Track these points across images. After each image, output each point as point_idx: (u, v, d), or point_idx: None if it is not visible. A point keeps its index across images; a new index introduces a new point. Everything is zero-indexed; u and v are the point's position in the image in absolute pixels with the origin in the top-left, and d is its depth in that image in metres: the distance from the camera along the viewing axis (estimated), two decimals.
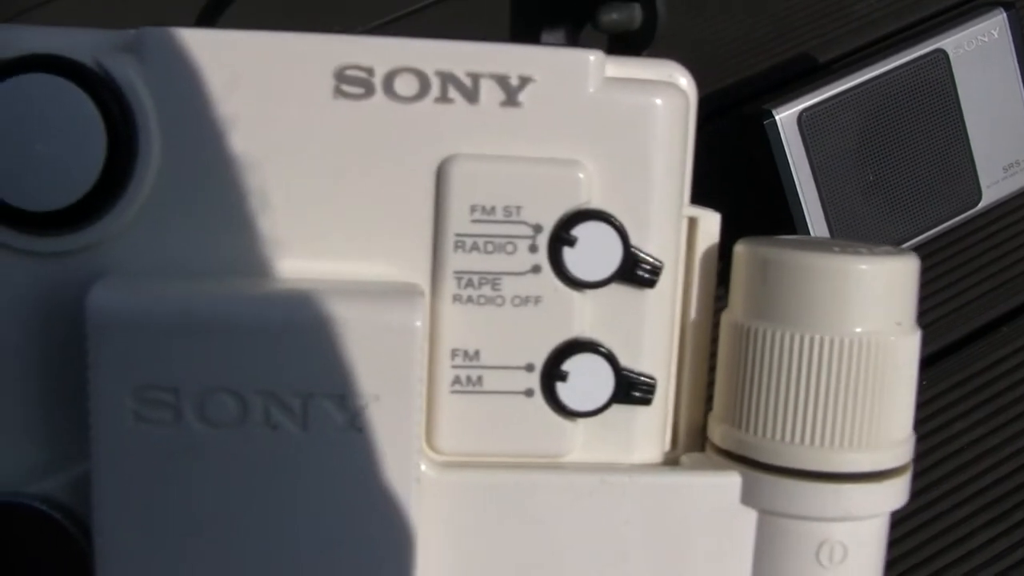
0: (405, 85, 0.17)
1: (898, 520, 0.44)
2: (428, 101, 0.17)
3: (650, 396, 0.19)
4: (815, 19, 0.63)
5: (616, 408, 0.18)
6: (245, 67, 0.17)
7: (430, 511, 0.18)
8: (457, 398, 0.18)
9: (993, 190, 0.52)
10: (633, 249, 0.18)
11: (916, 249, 0.50)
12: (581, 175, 0.17)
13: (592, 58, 0.17)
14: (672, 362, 0.19)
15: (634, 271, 0.18)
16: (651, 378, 0.18)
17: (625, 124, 0.18)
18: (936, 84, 0.51)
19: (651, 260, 0.18)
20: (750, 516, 0.18)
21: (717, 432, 0.19)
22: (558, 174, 0.17)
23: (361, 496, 0.17)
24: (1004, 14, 0.52)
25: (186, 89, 0.17)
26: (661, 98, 0.17)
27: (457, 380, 0.18)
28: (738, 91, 0.60)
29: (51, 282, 0.17)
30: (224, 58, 0.17)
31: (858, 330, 0.18)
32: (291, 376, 0.17)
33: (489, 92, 0.17)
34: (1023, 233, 0.53)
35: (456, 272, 0.17)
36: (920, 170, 0.51)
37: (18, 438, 0.18)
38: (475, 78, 0.17)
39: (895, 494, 0.19)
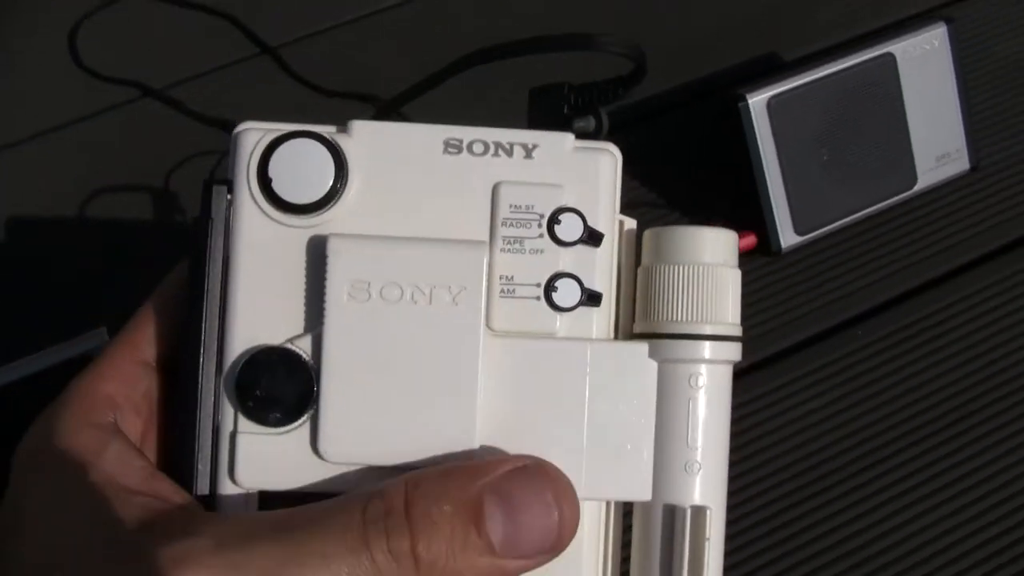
0: (479, 148, 0.31)
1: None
2: (488, 156, 0.31)
3: (599, 302, 0.31)
4: (785, 22, 0.71)
5: (582, 308, 0.31)
6: (398, 146, 0.31)
7: (487, 360, 0.31)
8: (502, 300, 0.31)
9: (927, 176, 0.60)
10: (590, 226, 0.31)
11: (857, 224, 0.59)
12: (562, 189, 0.31)
13: (569, 137, 0.31)
14: (612, 285, 0.32)
15: (590, 238, 0.31)
16: (599, 293, 0.31)
17: (585, 166, 0.31)
18: (884, 82, 0.59)
19: (598, 232, 0.31)
20: (654, 365, 0.31)
21: (638, 325, 0.32)
22: (552, 189, 0.31)
23: (453, 346, 0.30)
24: (945, 27, 0.60)
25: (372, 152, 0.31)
26: (602, 155, 0.31)
27: (503, 290, 0.31)
28: (717, 80, 0.68)
29: (298, 239, 0.31)
30: (389, 140, 0.31)
31: (706, 261, 0.32)
32: (425, 275, 0.30)
33: (518, 151, 0.31)
34: (950, 215, 0.61)
35: (503, 237, 0.31)
36: (866, 154, 0.59)
37: (282, 319, 0.31)
38: (512, 145, 0.31)
39: (732, 351, 0.31)
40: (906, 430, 0.53)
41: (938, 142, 0.60)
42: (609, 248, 0.32)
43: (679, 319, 0.31)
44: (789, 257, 0.59)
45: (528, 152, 0.31)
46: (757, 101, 0.57)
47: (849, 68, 0.58)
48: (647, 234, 0.32)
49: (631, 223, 0.33)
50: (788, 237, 0.58)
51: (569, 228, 0.31)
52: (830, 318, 0.57)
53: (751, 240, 0.58)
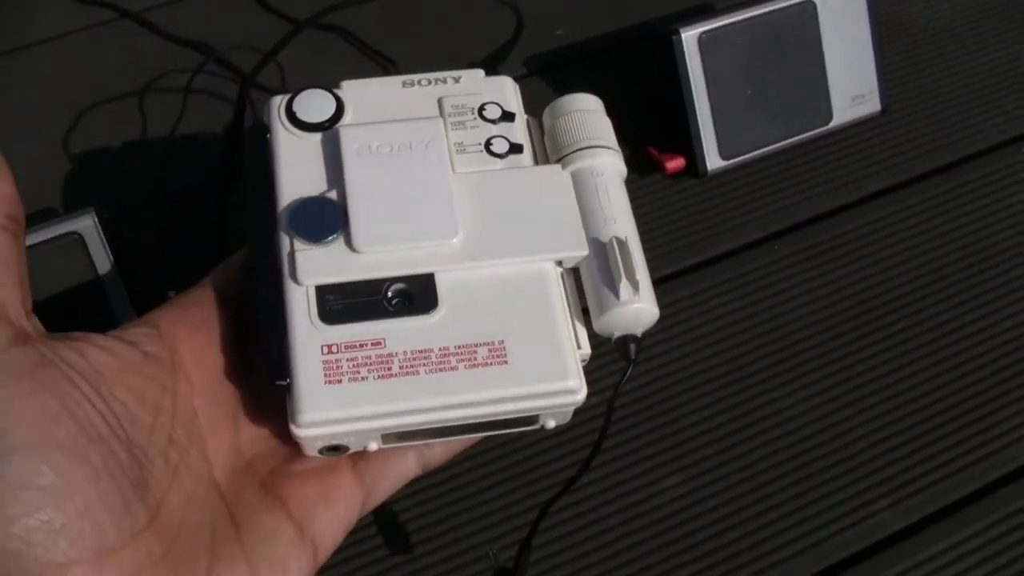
0: (424, 82, 0.42)
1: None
2: (431, 86, 0.42)
3: (521, 150, 0.41)
4: None
5: (512, 155, 0.41)
6: (373, 89, 0.42)
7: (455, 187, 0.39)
8: (458, 156, 0.40)
9: (841, 114, 0.66)
10: (505, 109, 0.42)
11: (778, 153, 0.65)
12: (482, 95, 0.42)
13: (481, 71, 0.43)
14: (527, 143, 0.42)
15: (505, 116, 0.42)
16: (521, 144, 0.42)
17: (495, 82, 0.43)
18: (805, 27, 0.65)
19: (511, 112, 0.42)
20: (567, 174, 0.41)
21: (550, 160, 0.42)
22: (476, 96, 0.42)
23: (433, 172, 0.39)
24: None
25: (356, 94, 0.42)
26: (505, 78, 0.44)
27: (457, 149, 0.40)
28: (656, 25, 0.74)
29: (317, 141, 0.40)
30: (367, 86, 0.42)
31: (583, 108, 0.43)
32: (405, 136, 0.40)
33: (450, 81, 0.42)
34: (861, 150, 0.68)
35: (451, 123, 0.41)
36: (787, 91, 0.65)
37: (314, 185, 0.39)
38: (446, 78, 0.42)
39: (616, 157, 0.42)
40: (814, 331, 0.59)
41: (853, 84, 0.66)
42: (521, 122, 0.42)
43: (572, 142, 0.41)
44: (715, 179, 0.65)
45: (456, 80, 0.42)
46: (689, 36, 0.62)
47: (774, 11, 0.64)
48: (546, 109, 0.44)
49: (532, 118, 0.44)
50: (714, 161, 0.64)
51: (492, 112, 0.42)
52: (750, 233, 0.63)
53: (680, 162, 0.64)
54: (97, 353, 0.34)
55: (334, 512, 0.37)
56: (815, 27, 0.65)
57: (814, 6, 0.65)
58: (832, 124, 0.66)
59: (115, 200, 0.62)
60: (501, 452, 0.54)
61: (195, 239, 0.63)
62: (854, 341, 0.58)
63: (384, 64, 0.73)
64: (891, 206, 0.65)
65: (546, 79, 0.71)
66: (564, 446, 0.54)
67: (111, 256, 0.54)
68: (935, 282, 0.61)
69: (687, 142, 0.63)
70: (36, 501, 0.31)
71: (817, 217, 0.64)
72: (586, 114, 0.43)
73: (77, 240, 0.54)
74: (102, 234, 0.54)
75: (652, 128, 0.67)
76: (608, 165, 0.41)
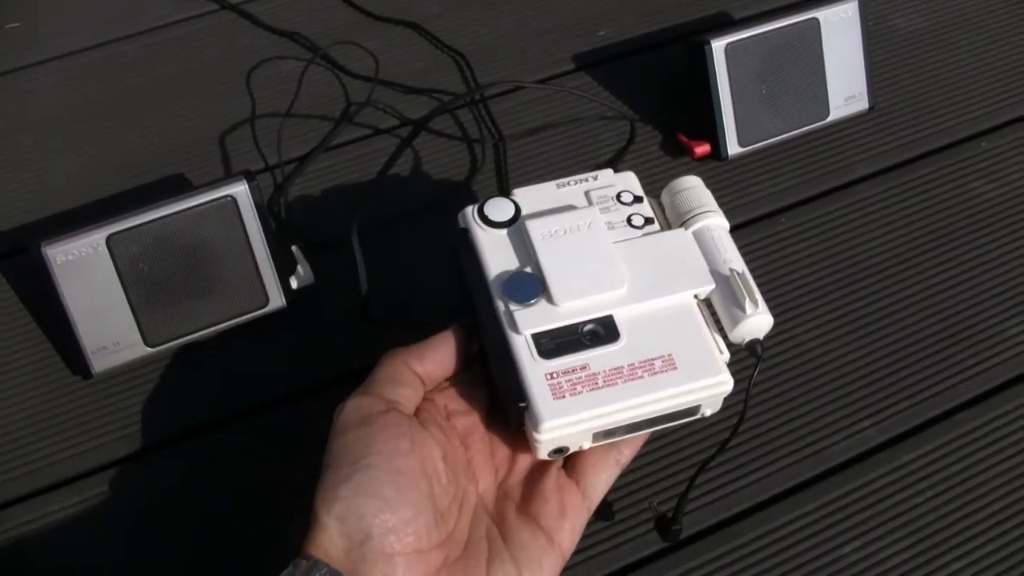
0: (572, 183, 0.60)
1: None
2: (576, 184, 0.59)
3: (654, 222, 0.58)
4: None
5: (647, 226, 0.58)
6: (536, 192, 0.59)
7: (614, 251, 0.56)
8: (610, 230, 0.57)
9: (837, 111, 0.80)
10: (635, 195, 0.59)
11: (785, 142, 0.79)
12: (616, 187, 0.59)
13: (610, 170, 0.60)
14: (656, 216, 0.58)
15: (636, 200, 0.59)
16: (652, 217, 0.58)
17: (622, 177, 0.60)
18: (810, 39, 0.78)
19: (640, 196, 0.58)
20: (689, 234, 0.57)
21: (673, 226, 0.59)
22: (612, 188, 0.59)
23: (599, 244, 0.55)
24: (856, 2, 0.79)
25: (526, 197, 0.59)
26: (629, 173, 0.60)
27: (608, 226, 0.57)
28: (687, 29, 0.88)
29: (505, 234, 0.57)
30: (532, 191, 0.59)
31: (688, 186, 0.60)
32: (572, 221, 0.57)
33: (590, 178, 0.59)
34: (852, 140, 0.82)
35: (599, 208, 0.58)
36: (794, 91, 0.79)
37: (511, 262, 0.56)
38: (586, 177, 0.59)
39: (720, 216, 0.58)
40: (812, 288, 0.73)
41: (846, 86, 0.80)
42: (647, 202, 0.58)
43: (688, 211, 0.56)
44: (734, 162, 0.79)
45: (595, 178, 0.59)
46: (718, 45, 0.76)
47: (785, 27, 0.77)
48: (664, 190, 0.59)
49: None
50: (734, 147, 0.78)
51: (626, 197, 0.57)
52: (763, 207, 0.77)
53: (707, 148, 0.78)
54: (438, 416, 0.53)
55: (570, 521, 0.53)
56: (818, 39, 0.78)
57: (818, 22, 0.78)
58: (829, 119, 0.80)
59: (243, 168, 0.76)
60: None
61: (308, 200, 0.76)
62: (844, 296, 0.72)
63: (454, 56, 0.86)
64: (876, 187, 0.79)
65: (591, 74, 0.85)
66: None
67: (258, 217, 0.66)
68: (908, 248, 0.75)
69: (712, 131, 0.77)
70: (380, 506, 0.47)
71: (816, 195, 0.78)
72: (693, 190, 0.58)
73: (231, 202, 0.66)
74: (251, 197, 0.66)
75: (680, 116, 0.81)
76: (716, 222, 0.57)
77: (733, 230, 0.75)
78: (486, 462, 0.54)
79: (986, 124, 0.83)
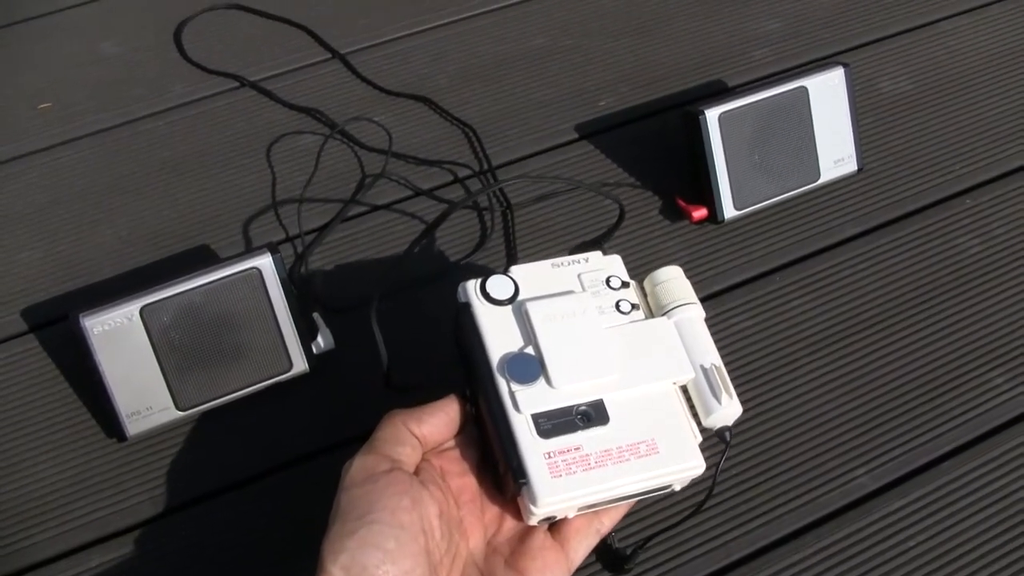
0: (566, 263, 0.64)
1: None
2: (570, 265, 0.64)
3: (639, 308, 0.63)
4: (731, 58, 0.96)
5: (634, 312, 0.63)
6: (533, 271, 0.63)
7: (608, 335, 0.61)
8: (599, 315, 0.62)
9: (827, 173, 0.84)
10: (623, 280, 0.63)
11: (778, 204, 0.83)
12: (604, 271, 0.64)
13: (598, 253, 0.65)
14: (641, 303, 0.63)
15: (623, 285, 0.63)
16: (637, 304, 0.63)
17: (610, 261, 0.64)
18: (799, 106, 0.83)
19: (627, 281, 0.63)
20: (671, 322, 0.63)
21: (656, 314, 0.64)
22: (602, 272, 0.64)
23: (594, 330, 0.61)
24: (843, 70, 0.84)
25: (524, 275, 0.64)
26: (615, 256, 0.64)
27: (599, 311, 0.62)
28: (682, 97, 0.93)
29: (508, 312, 0.61)
30: (529, 269, 0.64)
31: (669, 277, 0.65)
32: (569, 307, 0.61)
33: (582, 261, 0.64)
34: (842, 200, 0.86)
35: (590, 292, 0.62)
36: (785, 156, 0.83)
37: (511, 342, 0.60)
38: (579, 259, 0.64)
39: (698, 307, 0.64)
40: (808, 343, 0.77)
41: (835, 149, 0.84)
42: (633, 288, 0.62)
43: (670, 302, 0.62)
44: (730, 225, 0.83)
45: (586, 260, 0.63)
46: (712, 114, 0.80)
47: (776, 95, 0.81)
48: (646, 279, 0.64)
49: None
50: (729, 211, 0.82)
51: (614, 282, 0.62)
52: (758, 267, 0.81)
53: (704, 212, 0.82)
54: (435, 476, 0.57)
55: None
56: (807, 107, 0.83)
57: (806, 91, 0.83)
58: (819, 181, 0.84)
59: (262, 240, 0.80)
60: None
61: (331, 265, 0.81)
62: (837, 349, 0.76)
63: (463, 128, 0.90)
64: (865, 245, 0.83)
65: (593, 142, 0.89)
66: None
67: (281, 286, 0.71)
68: (897, 303, 0.79)
69: (709, 195, 0.81)
70: (382, 558, 0.51)
71: (808, 255, 0.82)
72: (673, 281, 0.63)
73: (256, 274, 0.70)
74: (275, 269, 0.71)
75: (678, 181, 0.85)
76: (694, 314, 0.63)
77: (730, 289, 0.79)
78: (476, 521, 0.58)
79: (970, 182, 0.87)
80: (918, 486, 0.69)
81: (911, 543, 0.66)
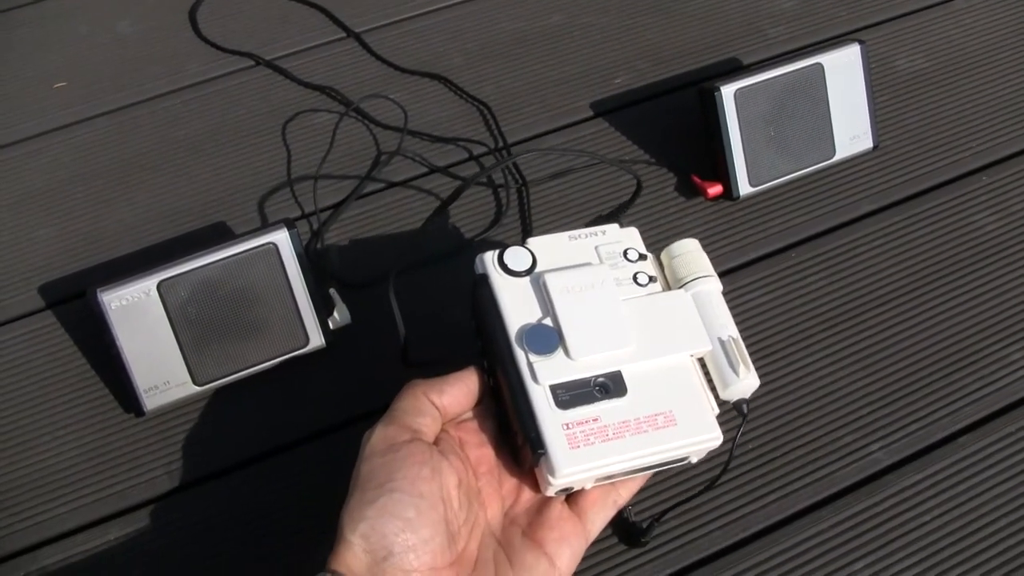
0: (583, 235, 0.64)
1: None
2: (587, 237, 0.64)
3: (656, 280, 0.63)
4: (746, 36, 0.96)
5: (651, 284, 0.63)
6: (550, 243, 0.64)
7: (624, 307, 0.61)
8: (618, 287, 0.62)
9: (842, 150, 0.84)
10: (640, 252, 0.63)
11: (794, 181, 0.83)
12: (623, 243, 0.64)
13: (615, 225, 0.65)
14: (659, 275, 0.64)
15: (641, 257, 0.63)
16: (655, 276, 0.63)
17: (627, 232, 0.65)
18: (815, 83, 0.82)
19: (645, 254, 0.63)
20: (688, 295, 0.63)
21: (673, 287, 0.64)
22: (619, 244, 0.64)
23: (611, 301, 0.61)
24: (859, 47, 0.84)
25: (540, 246, 0.64)
26: (633, 229, 0.66)
27: (616, 282, 0.63)
28: (698, 75, 0.92)
29: (525, 283, 0.61)
30: (546, 241, 0.64)
31: (688, 250, 0.64)
32: (586, 279, 0.61)
33: (599, 233, 0.64)
34: (857, 177, 0.86)
35: (608, 264, 0.63)
36: (801, 132, 0.83)
37: (529, 314, 0.60)
38: (596, 232, 0.64)
39: (716, 280, 0.64)
40: (822, 318, 0.77)
41: (851, 126, 0.84)
42: (651, 260, 0.62)
43: (687, 275, 0.61)
44: (746, 201, 0.83)
45: (604, 232, 0.63)
46: (727, 91, 0.80)
47: (792, 72, 0.81)
48: (664, 252, 0.64)
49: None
50: (745, 187, 0.82)
51: (632, 255, 0.62)
52: (774, 244, 0.81)
53: (719, 188, 0.82)
54: (454, 446, 0.57)
55: (571, 548, 0.58)
56: (822, 83, 0.83)
57: (822, 67, 0.82)
58: (835, 158, 0.84)
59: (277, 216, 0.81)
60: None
61: (345, 243, 0.81)
62: (853, 325, 0.76)
63: (478, 106, 0.91)
64: (881, 222, 0.83)
65: (609, 120, 0.89)
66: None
67: (297, 261, 0.71)
68: (913, 279, 0.79)
69: (724, 172, 0.81)
70: (402, 526, 0.52)
71: (824, 231, 0.82)
72: (690, 254, 0.63)
73: (273, 249, 0.71)
74: (292, 244, 0.71)
75: (693, 158, 0.85)
76: (712, 287, 0.63)
77: (746, 266, 0.79)
78: (494, 492, 0.59)
79: (986, 159, 0.87)
80: (934, 461, 0.69)
81: (927, 517, 0.66)
